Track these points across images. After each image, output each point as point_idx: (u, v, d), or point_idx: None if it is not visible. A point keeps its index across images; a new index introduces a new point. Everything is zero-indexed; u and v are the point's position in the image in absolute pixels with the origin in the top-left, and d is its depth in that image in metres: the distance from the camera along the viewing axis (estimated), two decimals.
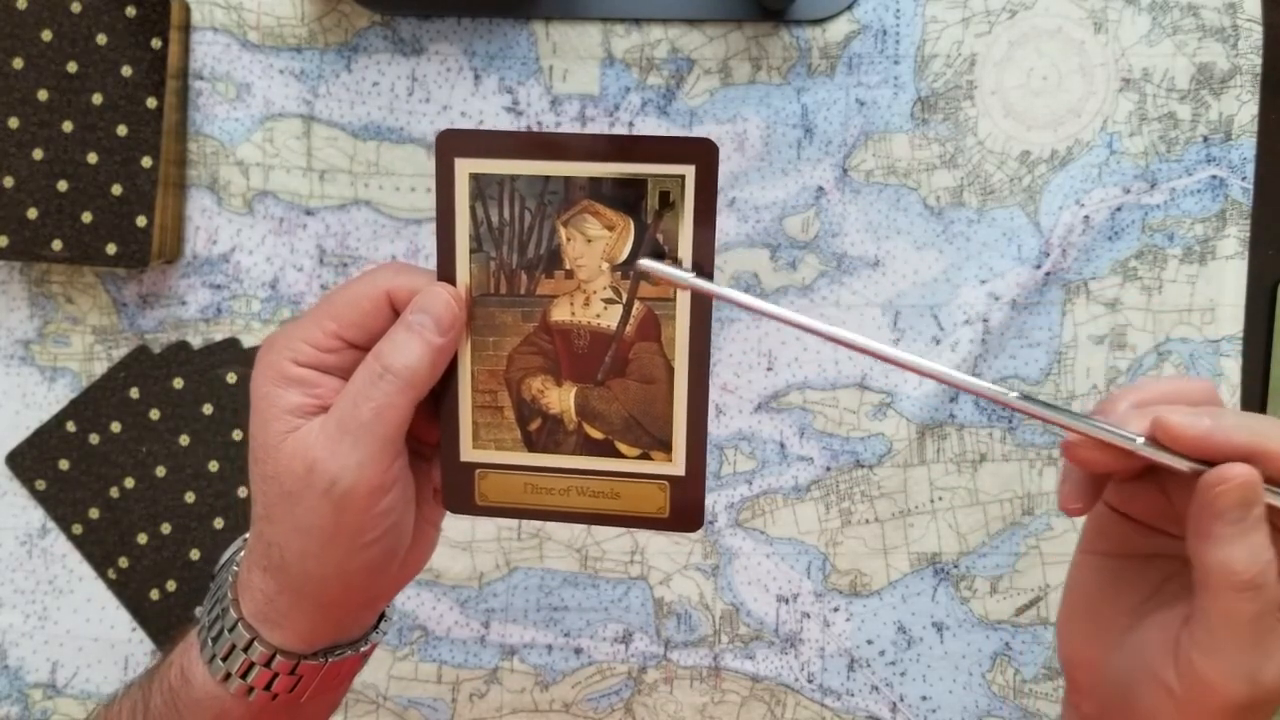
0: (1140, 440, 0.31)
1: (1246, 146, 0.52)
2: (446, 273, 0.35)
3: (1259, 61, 0.52)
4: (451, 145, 0.35)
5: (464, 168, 0.35)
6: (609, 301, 0.35)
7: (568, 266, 0.35)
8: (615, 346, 0.36)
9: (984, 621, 0.55)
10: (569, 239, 0.35)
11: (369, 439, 0.33)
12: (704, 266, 0.35)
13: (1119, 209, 0.53)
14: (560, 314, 0.36)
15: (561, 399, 0.36)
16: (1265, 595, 0.30)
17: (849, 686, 0.55)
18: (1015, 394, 0.33)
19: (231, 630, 0.35)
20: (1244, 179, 0.52)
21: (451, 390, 0.36)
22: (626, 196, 0.34)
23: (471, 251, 0.35)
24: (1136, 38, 0.52)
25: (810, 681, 0.55)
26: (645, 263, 0.34)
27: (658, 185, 0.34)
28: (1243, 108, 0.52)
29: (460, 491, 0.37)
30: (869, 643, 0.55)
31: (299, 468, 0.33)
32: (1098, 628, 0.35)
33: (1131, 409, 0.32)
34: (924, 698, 0.55)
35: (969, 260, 0.53)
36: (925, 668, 0.55)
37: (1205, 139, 0.52)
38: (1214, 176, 0.52)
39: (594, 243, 0.35)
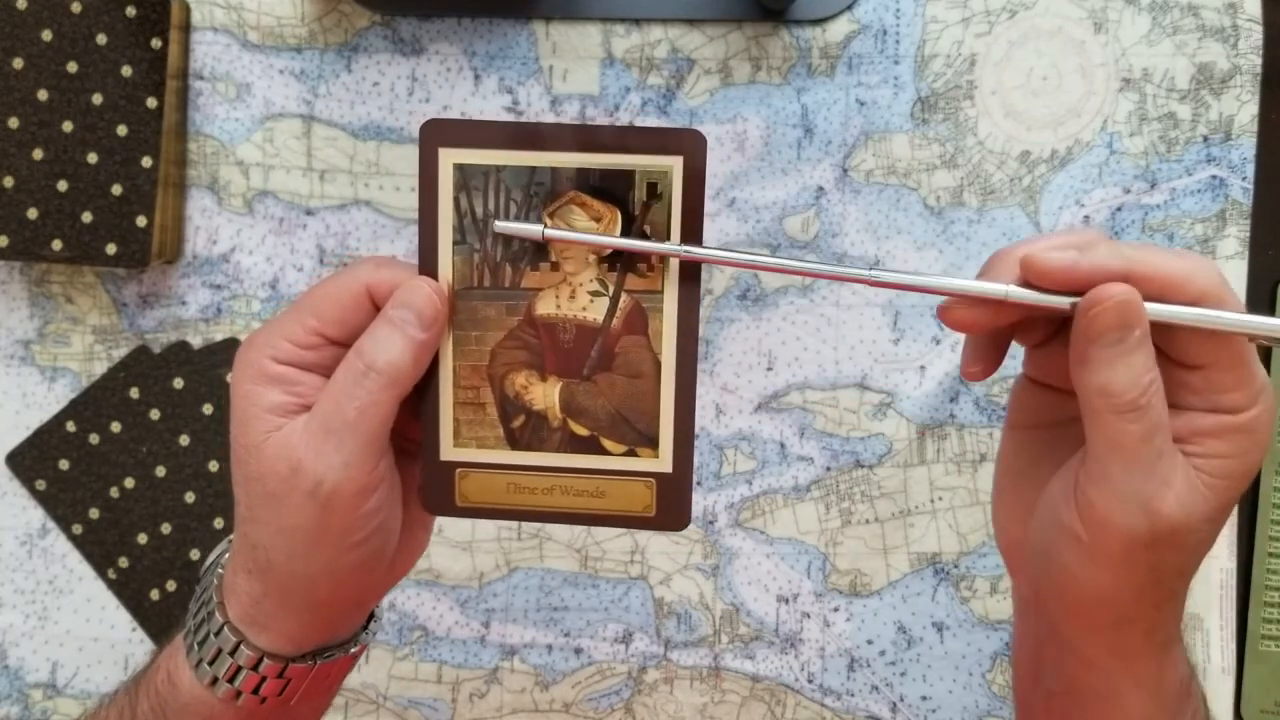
0: (1010, 288, 0.30)
1: (1246, 146, 0.52)
2: (428, 266, 0.35)
3: (1259, 61, 0.52)
4: (436, 135, 0.34)
5: (448, 158, 0.34)
6: (595, 294, 0.35)
7: (553, 259, 0.34)
8: (602, 340, 0.35)
9: (984, 621, 0.55)
10: None
11: (353, 438, 0.32)
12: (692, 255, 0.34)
13: (1119, 209, 0.53)
14: (545, 307, 0.35)
15: (546, 395, 0.35)
16: (1150, 417, 0.29)
17: (849, 686, 0.55)
18: (869, 270, 0.33)
19: (218, 634, 0.35)
20: (1244, 179, 0.52)
21: (432, 387, 0.35)
22: (614, 188, 0.34)
23: (455, 244, 0.35)
24: (1136, 38, 0.52)
25: (810, 681, 0.55)
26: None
27: (645, 176, 0.34)
28: (1243, 108, 0.52)
29: (440, 492, 0.36)
30: (869, 643, 0.55)
31: (282, 469, 0.32)
32: (1022, 501, 0.34)
33: (1008, 263, 0.31)
34: (924, 698, 0.55)
35: (969, 260, 0.53)
36: (925, 668, 0.55)
37: (1205, 139, 0.52)
38: (1214, 176, 0.52)
39: None
